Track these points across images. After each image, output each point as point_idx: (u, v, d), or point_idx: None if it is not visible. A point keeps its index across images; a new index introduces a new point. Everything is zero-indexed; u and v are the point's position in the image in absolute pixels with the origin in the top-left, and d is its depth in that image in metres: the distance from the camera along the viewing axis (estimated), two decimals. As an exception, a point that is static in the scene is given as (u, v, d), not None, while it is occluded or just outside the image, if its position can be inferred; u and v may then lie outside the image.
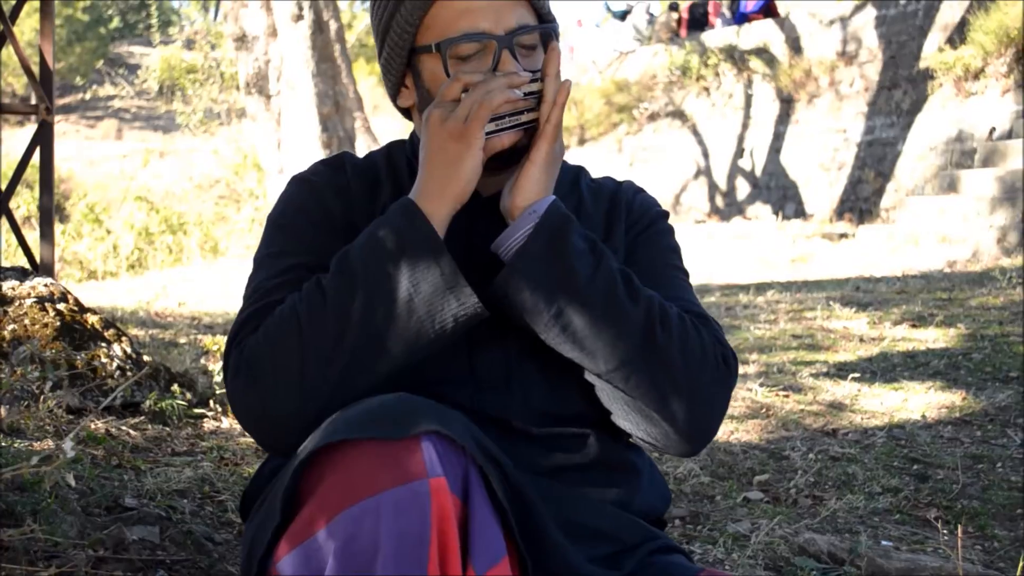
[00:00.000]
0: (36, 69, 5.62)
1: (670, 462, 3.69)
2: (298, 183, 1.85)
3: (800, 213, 15.28)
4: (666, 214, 1.95)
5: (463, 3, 1.71)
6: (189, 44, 21.52)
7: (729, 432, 4.10)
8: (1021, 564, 2.66)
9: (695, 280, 7.22)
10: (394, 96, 1.85)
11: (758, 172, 16.61)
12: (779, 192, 16.06)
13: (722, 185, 17.20)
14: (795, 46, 16.64)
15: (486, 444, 1.47)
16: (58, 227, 15.63)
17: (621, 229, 1.88)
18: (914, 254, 10.01)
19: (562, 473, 1.71)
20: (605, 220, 1.88)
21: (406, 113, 1.88)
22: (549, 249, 1.63)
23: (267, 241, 1.80)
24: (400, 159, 1.88)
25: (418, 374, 1.65)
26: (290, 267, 1.73)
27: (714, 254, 11.24)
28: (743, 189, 16.80)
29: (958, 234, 9.93)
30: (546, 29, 1.76)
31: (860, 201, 14.53)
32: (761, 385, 4.68)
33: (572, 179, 1.94)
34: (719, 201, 17.10)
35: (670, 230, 1.94)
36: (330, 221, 1.77)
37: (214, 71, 20.11)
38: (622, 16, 22.65)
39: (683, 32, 20.24)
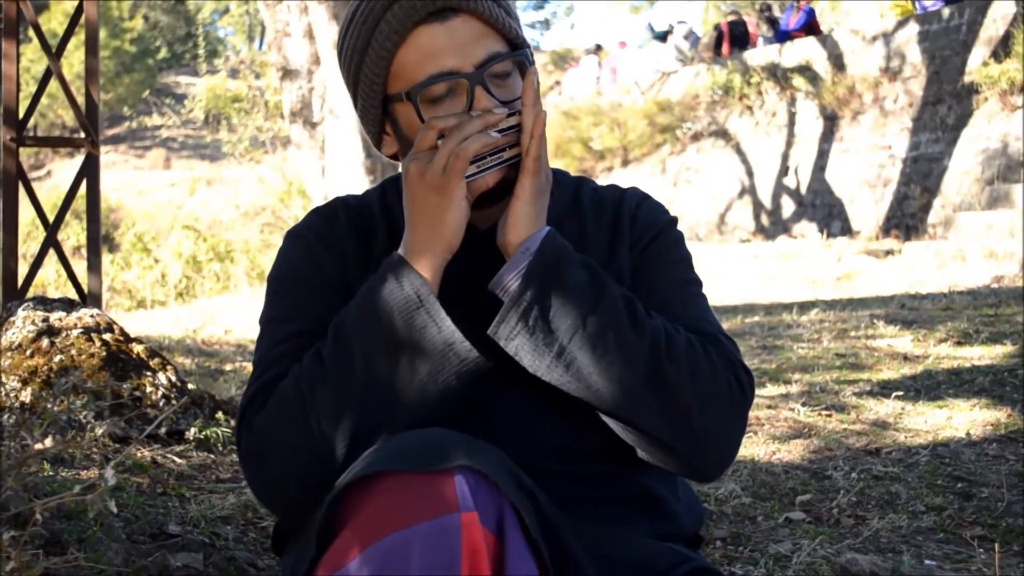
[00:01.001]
0: (82, 101, 5.72)
1: (710, 483, 3.69)
2: (292, 240, 1.83)
3: (846, 231, 15.20)
4: (674, 220, 1.89)
5: (426, 46, 1.66)
6: (234, 73, 21.75)
7: (771, 453, 4.09)
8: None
9: (740, 300, 7.22)
10: (378, 145, 1.82)
11: (803, 190, 16.55)
12: (824, 210, 15.98)
13: (767, 204, 17.14)
14: (838, 63, 16.58)
15: (522, 478, 1.46)
16: (107, 256, 15.81)
17: (626, 246, 1.82)
18: (961, 270, 9.94)
19: (587, 509, 1.69)
20: (608, 239, 1.83)
21: (395, 158, 1.83)
22: (545, 290, 1.59)
23: (268, 305, 1.80)
24: (394, 198, 1.84)
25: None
26: (290, 335, 1.72)
27: (759, 273, 11.21)
28: (788, 207, 16.73)
29: (1006, 249, 9.85)
30: (517, 56, 1.71)
31: (906, 217, 14.43)
32: (804, 405, 4.66)
33: (573, 194, 1.89)
34: (764, 220, 17.04)
35: (679, 239, 1.87)
36: (326, 280, 1.76)
37: (259, 100, 20.31)
38: (663, 37, 22.66)
39: (725, 51, 20.22)
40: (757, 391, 4.94)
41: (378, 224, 1.82)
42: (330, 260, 1.78)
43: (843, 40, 16.75)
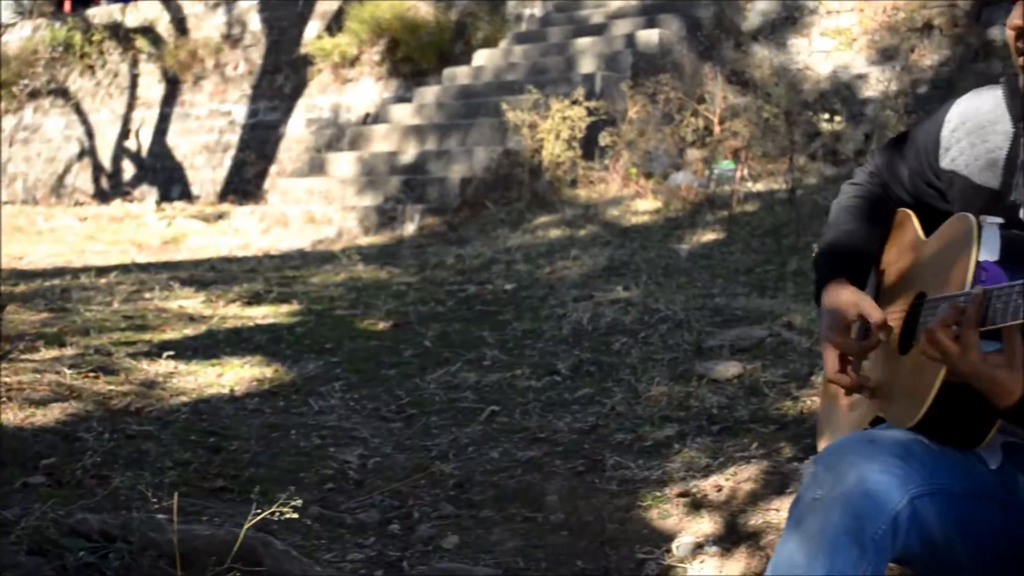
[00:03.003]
0: None
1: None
2: None
3: (186, 195, 15.22)
4: None
5: None
6: None
7: (25, 417, 3.95)
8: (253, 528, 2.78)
9: (56, 263, 6.89)
10: None
11: (144, 154, 16.36)
12: (165, 174, 15.91)
13: (107, 167, 16.77)
14: (181, 27, 16.52)
15: None
16: None
17: None
18: (285, 234, 10.26)
19: None
20: None
21: None
22: None
23: None
24: None
25: None
26: None
27: (85, 237, 10.91)
28: (129, 171, 16.48)
29: (324, 214, 10.31)
30: None
31: (244, 183, 14.71)
32: (72, 367, 4.56)
33: None
34: (104, 183, 16.66)
35: None
36: None
37: None
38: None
39: (67, 7, 19.49)
40: (28, 355, 4.79)
41: None
42: None
43: (186, 4, 16.70)
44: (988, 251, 1.97)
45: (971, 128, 2.13)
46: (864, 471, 1.90)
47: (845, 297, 2.18)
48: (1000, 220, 1.99)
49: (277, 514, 2.89)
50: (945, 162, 2.17)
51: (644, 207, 8.66)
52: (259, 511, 3.03)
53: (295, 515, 2.92)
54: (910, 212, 2.29)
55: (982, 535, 2.00)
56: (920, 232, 2.23)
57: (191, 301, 6.16)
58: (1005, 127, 2.08)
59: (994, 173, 2.08)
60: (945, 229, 2.11)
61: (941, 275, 2.07)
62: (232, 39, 15.93)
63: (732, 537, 3.19)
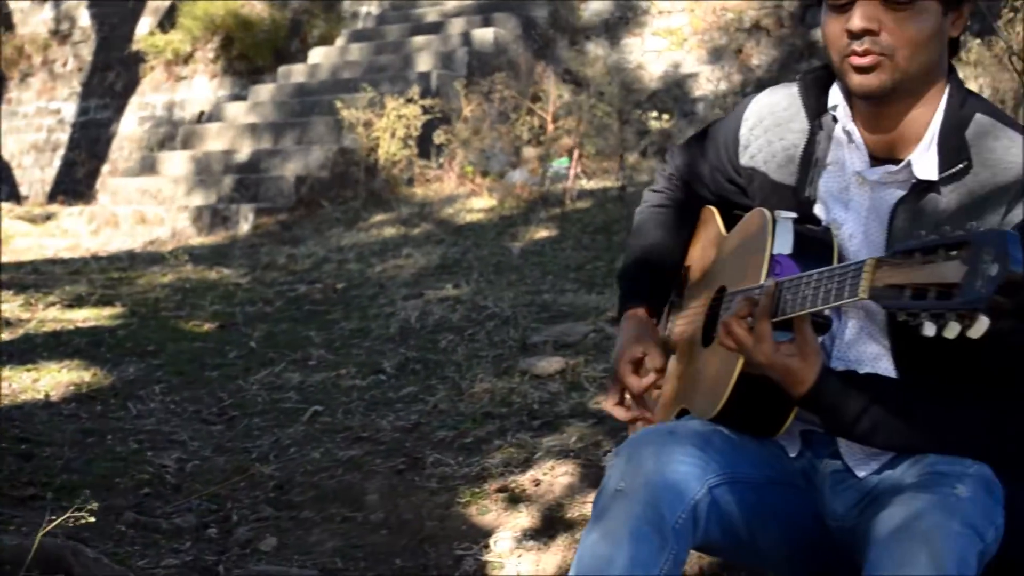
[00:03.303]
0: None
1: None
2: None
3: (14, 196, 14.76)
4: None
5: None
6: None
7: None
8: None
9: None
10: None
11: (-30, 154, 15.86)
12: (-9, 174, 15.44)
13: (-71, 167, 16.20)
14: (6, 22, 16.02)
15: None
16: None
17: None
18: (115, 235, 10.02)
19: None
20: None
21: None
22: None
23: None
24: None
25: None
26: None
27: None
28: (-46, 172, 15.95)
29: (156, 214, 10.10)
30: None
31: (74, 183, 14.33)
32: None
33: None
34: (-73, 184, 16.09)
35: None
36: None
37: None
38: None
39: None
40: None
41: None
42: None
43: (12, -1, 16.24)
44: (782, 245, 2.03)
45: (768, 126, 2.19)
46: (663, 462, 1.94)
47: (636, 334, 2.25)
48: (793, 215, 2.05)
49: (72, 520, 2.82)
50: (744, 159, 2.21)
51: (479, 205, 8.70)
52: (53, 517, 2.95)
53: (92, 519, 2.85)
54: (714, 209, 2.34)
55: (781, 521, 2.05)
56: (722, 228, 2.29)
57: (9, 304, 5.98)
58: (801, 124, 2.14)
59: (791, 170, 2.14)
60: (743, 224, 2.17)
61: (739, 269, 2.12)
62: (61, 35, 15.52)
63: (549, 531, 3.23)
